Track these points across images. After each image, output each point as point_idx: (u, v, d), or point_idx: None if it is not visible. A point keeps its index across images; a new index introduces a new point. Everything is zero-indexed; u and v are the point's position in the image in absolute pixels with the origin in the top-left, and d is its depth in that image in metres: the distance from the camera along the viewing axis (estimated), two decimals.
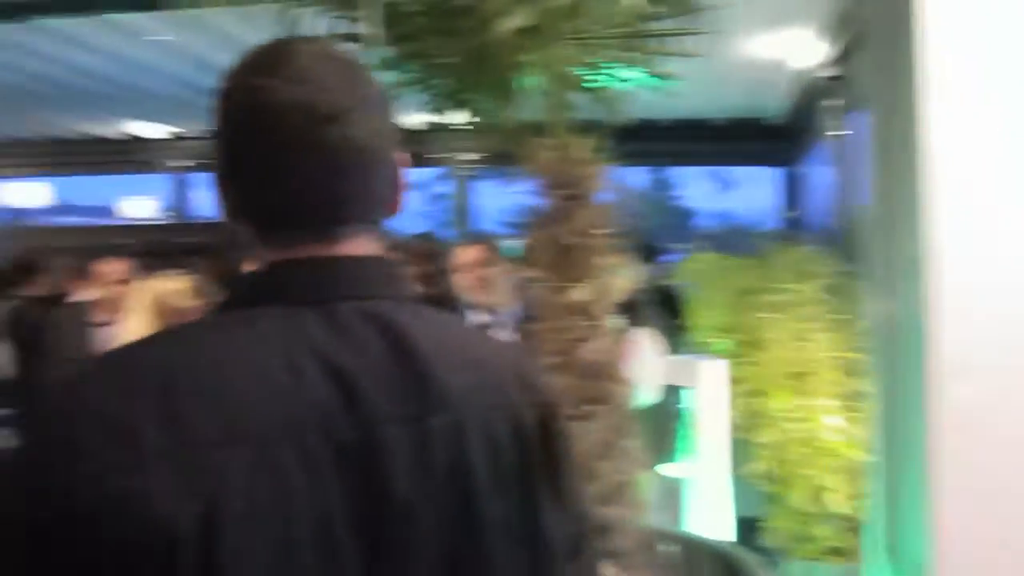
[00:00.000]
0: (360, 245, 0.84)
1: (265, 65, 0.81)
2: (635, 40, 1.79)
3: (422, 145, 7.97)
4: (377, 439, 0.74)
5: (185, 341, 0.79)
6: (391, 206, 0.88)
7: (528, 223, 1.93)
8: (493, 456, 0.80)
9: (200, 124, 8.07)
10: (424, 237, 5.76)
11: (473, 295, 3.17)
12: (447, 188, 21.75)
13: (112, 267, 3.78)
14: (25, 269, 5.02)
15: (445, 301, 4.63)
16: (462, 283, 3.20)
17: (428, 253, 4.96)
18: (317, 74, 0.80)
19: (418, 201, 25.15)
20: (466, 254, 3.19)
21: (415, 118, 7.49)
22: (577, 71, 1.80)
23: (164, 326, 2.13)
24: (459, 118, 2.09)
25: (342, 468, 0.73)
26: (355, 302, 0.80)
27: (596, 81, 1.87)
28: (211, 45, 5.07)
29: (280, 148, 0.79)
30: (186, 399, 0.70)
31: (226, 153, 0.82)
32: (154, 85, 5.95)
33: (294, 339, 0.76)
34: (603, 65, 1.81)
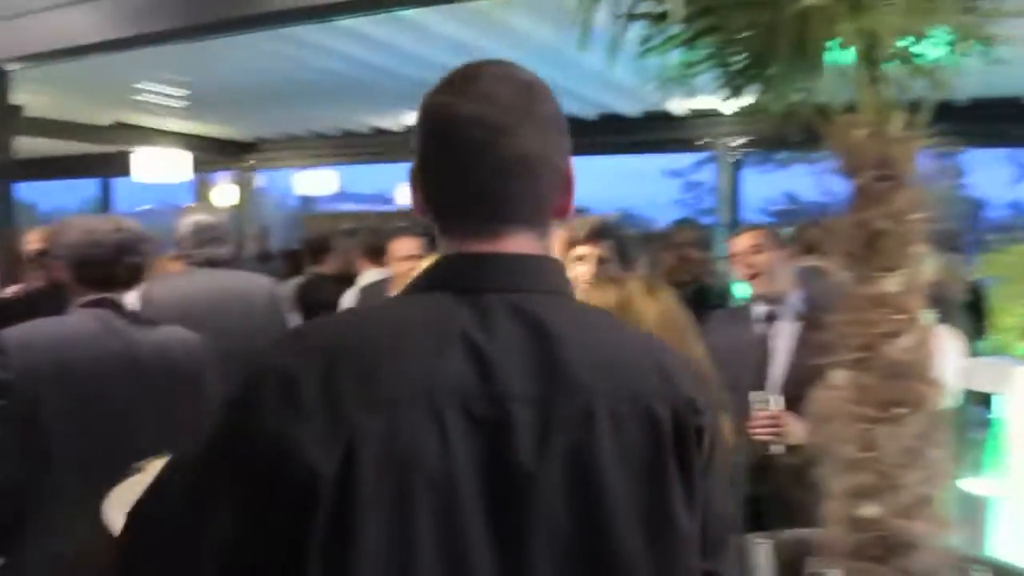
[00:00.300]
0: (520, 243, 0.95)
1: (453, 84, 0.96)
2: (967, 1, 1.59)
3: (683, 131, 7.80)
4: (506, 415, 0.84)
5: (357, 317, 0.98)
6: (558, 210, 0.99)
7: (826, 208, 1.79)
8: (620, 441, 0.86)
9: None
10: (686, 224, 5.61)
11: (750, 284, 3.04)
12: (708, 175, 21.29)
13: (404, 245, 3.95)
14: (317, 249, 5.51)
15: (707, 288, 4.47)
16: (738, 272, 3.07)
17: (691, 241, 4.81)
18: (494, 92, 0.94)
19: (676, 189, 24.84)
20: (741, 242, 3.05)
21: (677, 104, 7.38)
22: (895, 41, 1.63)
23: None
24: (740, 99, 1.98)
25: (472, 439, 0.83)
26: (503, 294, 0.91)
27: (915, 52, 1.68)
28: (490, 37, 5.21)
29: (457, 155, 0.93)
30: (341, 365, 0.84)
31: (418, 157, 0.97)
32: (432, 78, 6.23)
33: (446, 322, 0.88)
34: (926, 33, 1.63)
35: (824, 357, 1.84)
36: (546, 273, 0.96)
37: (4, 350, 2.17)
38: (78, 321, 2.33)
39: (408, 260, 3.85)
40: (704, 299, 4.10)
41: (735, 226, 7.85)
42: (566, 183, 1.00)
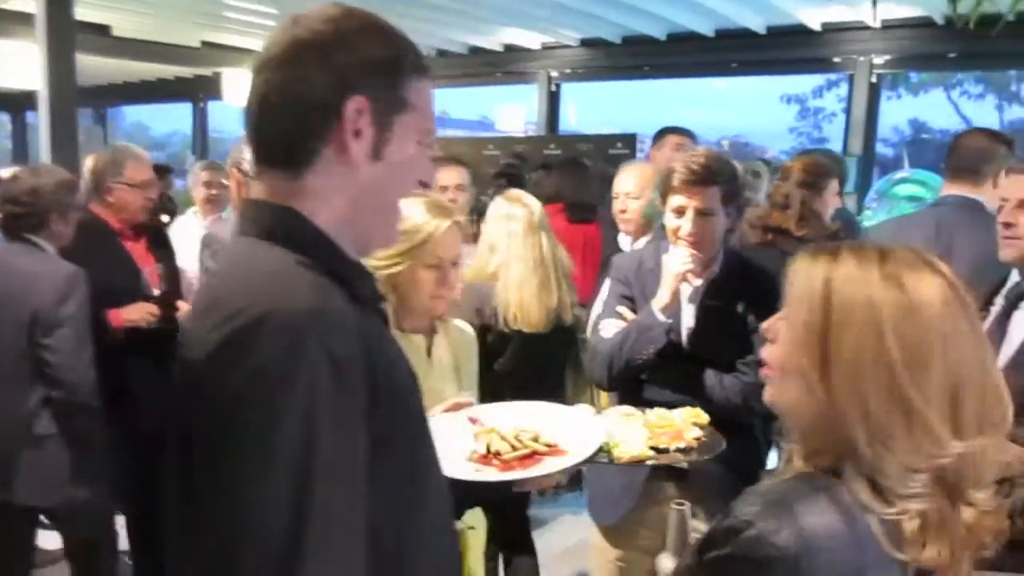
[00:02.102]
0: (267, 187, 1.07)
1: None
2: None
3: (815, 47, 6.89)
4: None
5: None
6: (338, 149, 1.04)
7: None
8: (199, 391, 0.95)
9: (574, 32, 7.73)
10: (815, 155, 4.74)
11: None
12: (831, 100, 19.77)
13: (442, 175, 3.60)
14: None
15: (800, 228, 3.51)
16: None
17: (816, 179, 3.91)
18: (279, 32, 1.06)
19: (793, 115, 23.45)
20: None
21: (812, 15, 6.49)
22: None
23: None
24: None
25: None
26: (238, 237, 1.08)
27: None
28: None
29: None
30: None
31: None
32: None
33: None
34: None
35: None
36: (248, 218, 1.07)
37: None
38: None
39: (445, 191, 3.59)
40: None
41: (870, 157, 6.97)
42: (340, 122, 1.02)
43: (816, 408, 1.06)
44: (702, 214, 2.25)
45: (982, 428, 1.03)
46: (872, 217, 5.81)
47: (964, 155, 2.80)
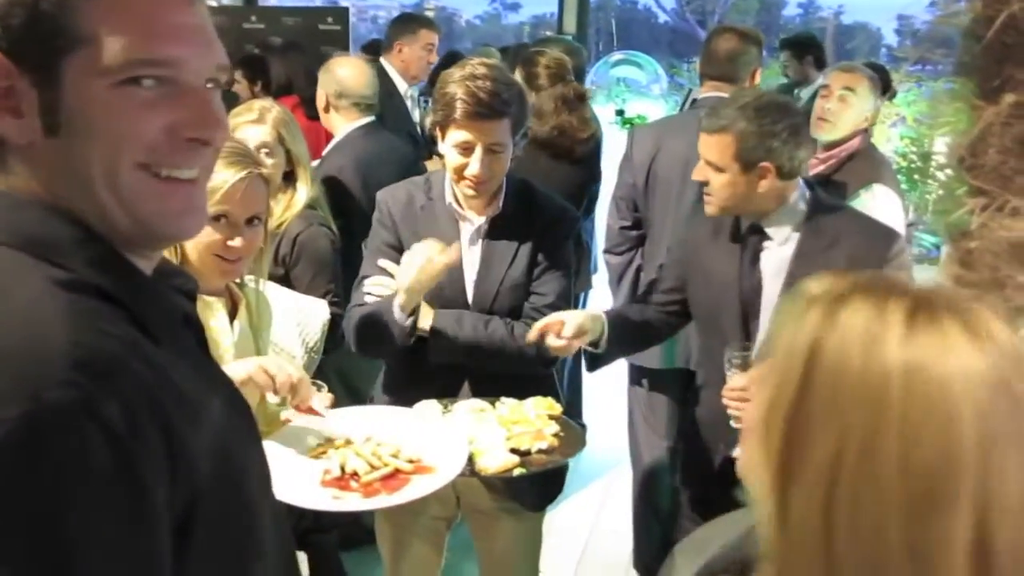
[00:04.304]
0: None
1: None
2: None
3: None
4: None
5: None
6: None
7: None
8: None
9: None
10: (550, 44, 4.14)
11: None
12: None
13: None
14: None
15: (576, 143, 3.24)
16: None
17: (564, 67, 3.49)
18: None
19: None
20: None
21: None
22: None
23: None
24: None
25: None
26: None
27: None
28: None
29: None
30: None
31: None
32: None
33: None
34: None
35: None
36: None
37: None
38: None
39: None
40: None
41: (584, 36, 7.01)
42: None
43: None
44: (491, 151, 1.93)
45: None
46: (592, 101, 5.98)
47: (718, 58, 2.90)
